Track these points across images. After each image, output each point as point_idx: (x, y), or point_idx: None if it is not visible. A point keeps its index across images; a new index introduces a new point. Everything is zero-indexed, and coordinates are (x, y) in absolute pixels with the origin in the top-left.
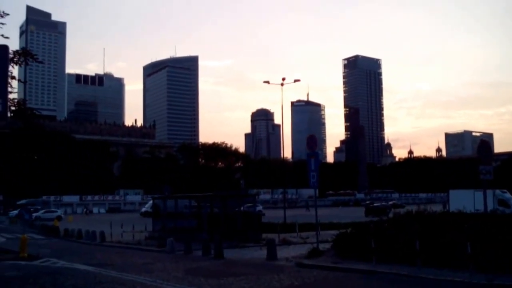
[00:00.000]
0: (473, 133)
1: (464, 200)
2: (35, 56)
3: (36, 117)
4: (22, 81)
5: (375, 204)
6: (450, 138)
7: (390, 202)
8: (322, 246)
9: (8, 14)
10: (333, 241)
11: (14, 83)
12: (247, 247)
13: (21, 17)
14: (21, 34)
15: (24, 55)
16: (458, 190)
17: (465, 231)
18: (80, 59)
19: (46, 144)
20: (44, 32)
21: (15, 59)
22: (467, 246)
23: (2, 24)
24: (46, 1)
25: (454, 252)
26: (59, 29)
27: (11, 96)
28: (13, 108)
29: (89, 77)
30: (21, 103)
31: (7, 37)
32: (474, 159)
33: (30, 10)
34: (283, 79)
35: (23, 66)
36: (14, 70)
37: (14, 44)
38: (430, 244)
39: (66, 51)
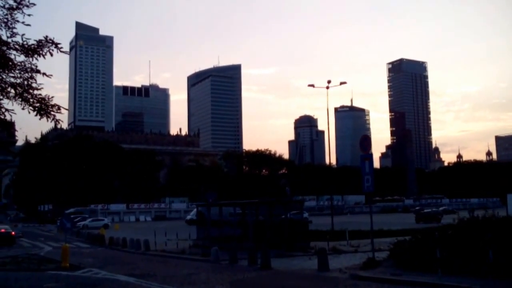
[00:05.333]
0: None
1: None
2: (59, 45)
3: (78, 131)
4: (48, 75)
5: (426, 210)
6: (501, 141)
7: (441, 208)
8: (376, 255)
9: (34, 4)
10: (390, 250)
11: (40, 78)
12: (295, 256)
13: (71, 32)
14: (71, 49)
15: (47, 44)
16: None
17: None
18: (127, 72)
19: (95, 154)
20: (92, 47)
21: (37, 50)
22: None
23: (28, 15)
24: (94, 17)
25: None
26: (106, 43)
27: (36, 92)
28: (37, 105)
29: (136, 89)
30: (46, 99)
31: (28, 25)
32: None
33: (79, 26)
34: (329, 81)
35: (46, 58)
36: (38, 62)
37: (64, 59)
38: (503, 254)
39: (114, 64)
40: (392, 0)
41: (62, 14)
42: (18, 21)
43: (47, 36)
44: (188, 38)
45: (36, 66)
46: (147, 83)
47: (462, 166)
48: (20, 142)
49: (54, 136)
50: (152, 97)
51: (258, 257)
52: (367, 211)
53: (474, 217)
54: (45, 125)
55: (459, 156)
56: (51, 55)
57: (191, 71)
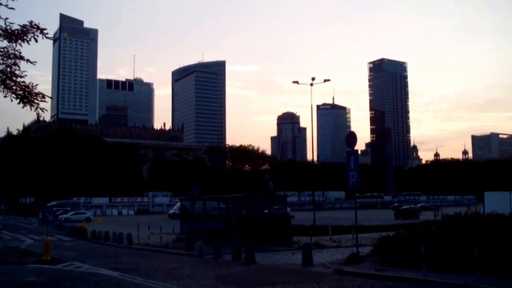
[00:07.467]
0: (500, 135)
1: (499, 202)
2: (45, 31)
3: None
4: (32, 62)
5: (404, 207)
6: (477, 140)
7: (419, 205)
8: (359, 250)
9: None
10: (374, 246)
11: (24, 65)
12: (279, 251)
13: (55, 24)
14: (54, 41)
15: (32, 30)
16: (494, 192)
17: None
18: (111, 65)
19: (78, 147)
20: (76, 39)
21: (21, 35)
22: None
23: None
24: (79, 9)
25: None
26: (91, 36)
27: (19, 79)
28: (20, 92)
29: (120, 83)
30: (29, 87)
31: (12, 8)
32: (502, 162)
33: (63, 18)
34: (313, 79)
35: (31, 47)
36: (22, 48)
37: (47, 51)
38: (488, 250)
39: (98, 58)
40: (374, 1)
41: (46, 5)
42: (0, 3)
43: (32, 21)
44: (173, 33)
45: (20, 52)
46: (131, 77)
47: (439, 164)
48: (1, 133)
49: (36, 128)
50: (136, 91)
51: (242, 251)
52: (346, 207)
53: (458, 214)
54: (28, 117)
55: (436, 154)
56: (36, 41)
57: (176, 66)
